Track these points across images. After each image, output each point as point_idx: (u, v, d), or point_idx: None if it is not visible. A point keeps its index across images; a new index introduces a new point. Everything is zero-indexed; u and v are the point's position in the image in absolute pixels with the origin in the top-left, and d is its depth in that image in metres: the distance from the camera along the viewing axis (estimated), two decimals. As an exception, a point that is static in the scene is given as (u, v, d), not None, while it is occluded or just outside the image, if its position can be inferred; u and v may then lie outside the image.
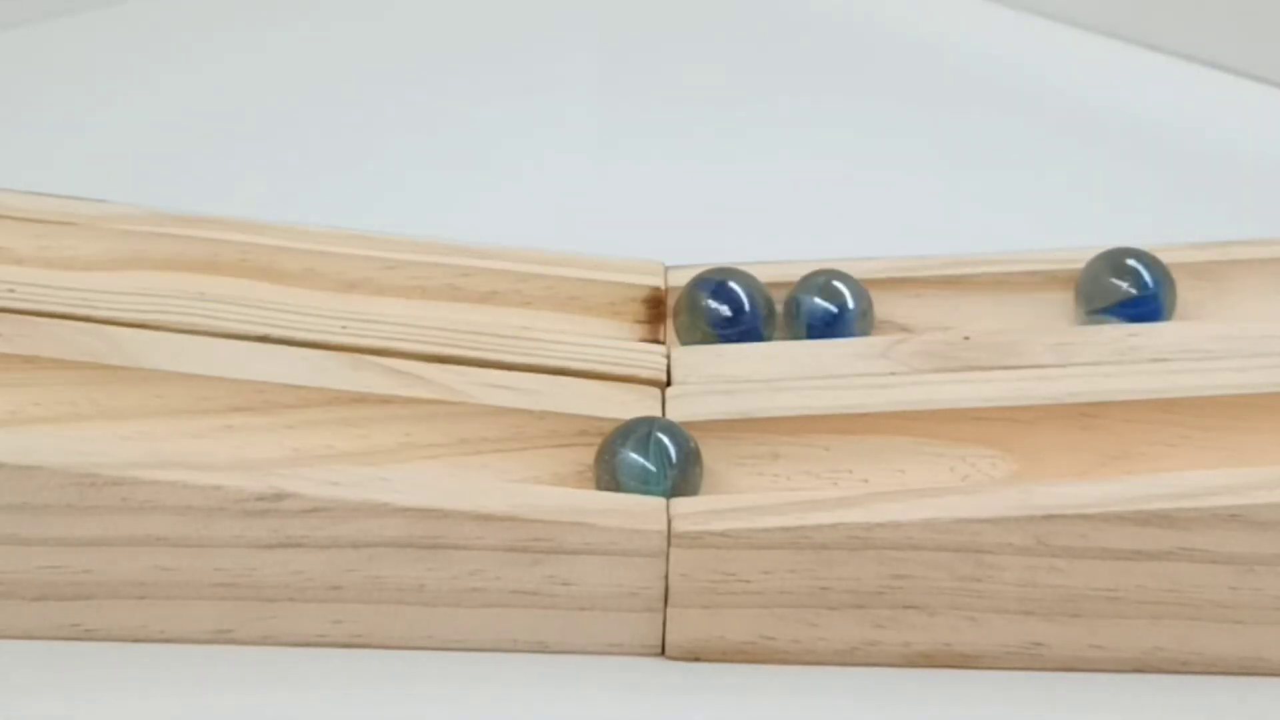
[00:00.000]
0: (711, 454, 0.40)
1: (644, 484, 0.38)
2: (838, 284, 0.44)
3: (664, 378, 0.42)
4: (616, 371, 0.42)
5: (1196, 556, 0.37)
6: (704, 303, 0.44)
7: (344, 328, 0.42)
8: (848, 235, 0.54)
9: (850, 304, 0.44)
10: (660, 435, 0.39)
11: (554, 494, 0.38)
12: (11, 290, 0.42)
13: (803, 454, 0.40)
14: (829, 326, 0.44)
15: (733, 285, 0.44)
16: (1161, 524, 0.37)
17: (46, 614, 0.38)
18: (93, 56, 0.69)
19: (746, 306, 0.44)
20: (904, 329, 0.45)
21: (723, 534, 0.37)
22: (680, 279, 0.46)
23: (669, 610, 0.38)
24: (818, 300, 0.44)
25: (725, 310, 0.44)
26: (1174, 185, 0.61)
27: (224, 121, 0.64)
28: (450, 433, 0.40)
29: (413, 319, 0.43)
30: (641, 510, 0.37)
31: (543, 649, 0.38)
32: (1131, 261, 0.45)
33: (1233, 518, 0.36)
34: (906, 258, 0.46)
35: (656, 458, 0.38)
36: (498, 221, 0.54)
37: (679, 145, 0.63)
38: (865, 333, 0.44)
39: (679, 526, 0.37)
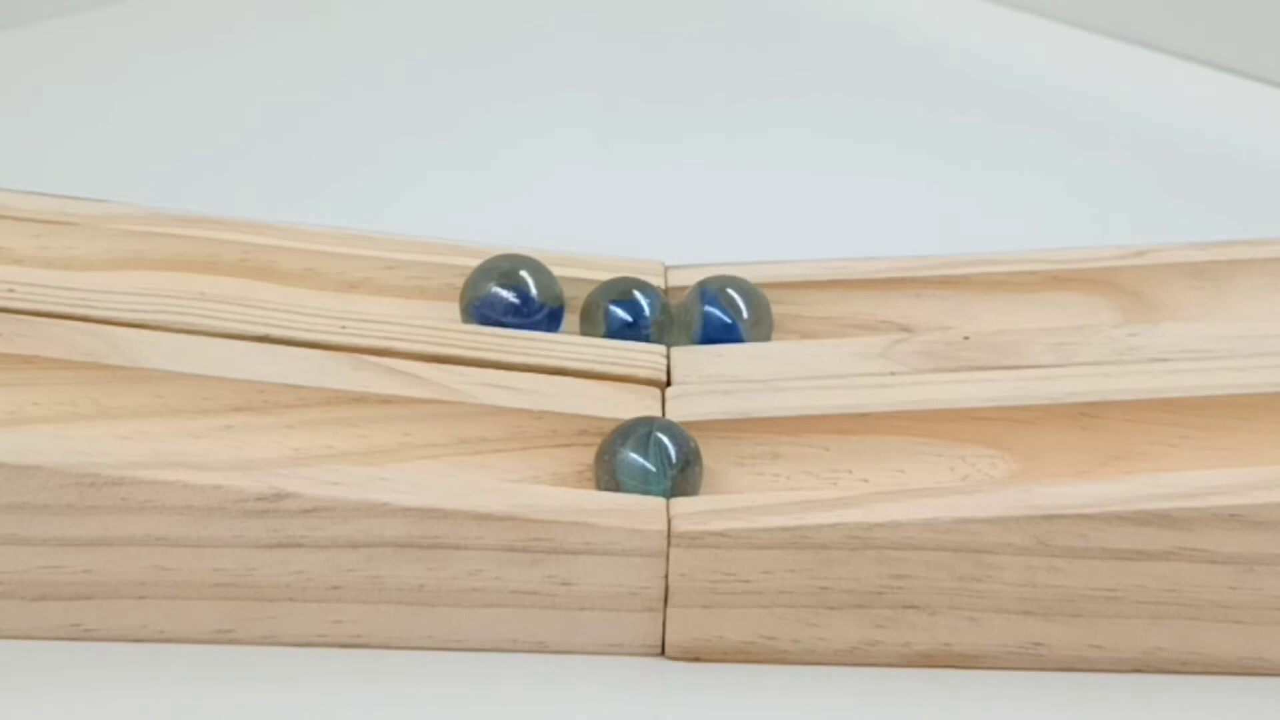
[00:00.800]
0: (711, 454, 0.40)
1: (644, 484, 0.38)
2: (637, 293, 0.44)
3: (664, 378, 0.42)
4: (616, 371, 0.42)
5: (1196, 556, 0.37)
6: (491, 290, 0.44)
7: (344, 328, 0.42)
8: (848, 235, 0.54)
9: (647, 313, 0.44)
10: (660, 435, 0.39)
11: (554, 494, 0.38)
12: (11, 290, 0.42)
13: (802, 454, 0.40)
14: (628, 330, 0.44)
15: (523, 275, 0.44)
16: (1161, 524, 0.37)
17: (46, 614, 0.38)
18: (93, 56, 0.69)
19: (534, 295, 0.44)
20: (904, 329, 0.45)
21: (723, 534, 0.37)
22: (680, 278, 0.46)
23: (669, 610, 0.38)
24: (614, 308, 0.44)
25: (511, 298, 0.44)
26: (1174, 185, 0.61)
27: (224, 121, 0.64)
28: (450, 433, 0.40)
29: (413, 319, 0.43)
30: (641, 510, 0.37)
31: (543, 649, 0.38)
32: (730, 290, 0.44)
33: (1232, 517, 0.36)
34: (906, 258, 0.46)
35: (656, 458, 0.38)
36: (498, 222, 0.54)
37: (680, 145, 0.63)
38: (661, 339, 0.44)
39: (679, 526, 0.37)
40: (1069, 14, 0.72)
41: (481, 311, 0.44)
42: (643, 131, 0.65)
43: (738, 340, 0.44)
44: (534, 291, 0.44)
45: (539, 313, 0.44)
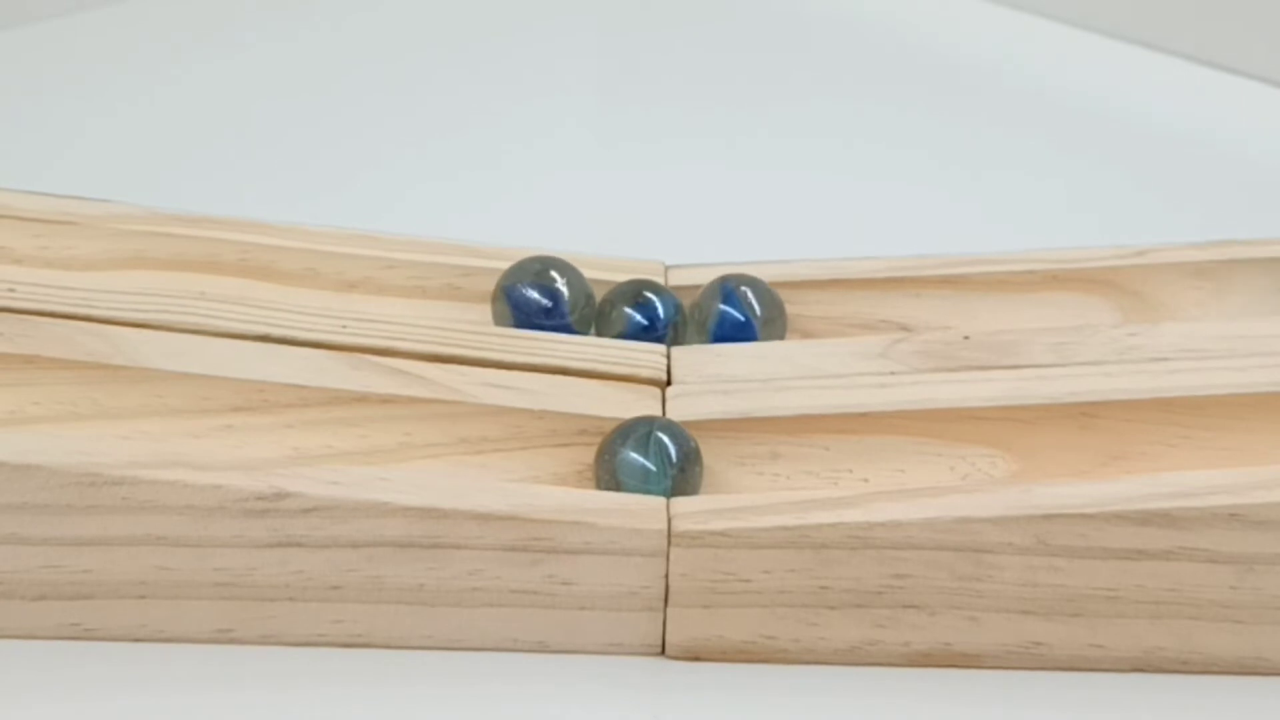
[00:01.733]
0: (711, 453, 0.40)
1: (644, 483, 0.38)
2: (649, 293, 0.44)
3: (664, 377, 0.42)
4: (616, 371, 0.42)
5: (1196, 556, 0.37)
6: (522, 292, 0.44)
7: (344, 327, 0.42)
8: (848, 235, 0.55)
9: (662, 316, 0.44)
10: (660, 435, 0.39)
11: (554, 493, 0.38)
12: (11, 290, 0.42)
13: (802, 453, 0.40)
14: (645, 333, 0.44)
15: (554, 275, 0.44)
16: (1161, 523, 0.37)
17: (46, 614, 0.38)
18: (93, 56, 0.69)
19: (566, 299, 0.44)
20: (904, 329, 0.45)
21: (723, 533, 0.37)
22: (680, 278, 0.46)
23: (669, 610, 0.38)
24: (628, 310, 0.44)
25: (544, 301, 0.44)
26: (1174, 185, 0.61)
27: (224, 121, 0.64)
28: (450, 432, 0.40)
29: (413, 319, 0.43)
30: (641, 510, 0.37)
31: (543, 648, 0.38)
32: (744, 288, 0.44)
33: (1232, 517, 0.36)
34: (906, 258, 0.46)
35: (657, 457, 0.38)
36: (498, 221, 0.55)
37: (679, 145, 0.63)
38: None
39: (679, 526, 0.37)
40: (1069, 14, 0.72)
41: (519, 304, 0.44)
42: (642, 131, 0.65)
43: (752, 338, 0.44)
44: (567, 296, 0.44)
45: (568, 317, 0.44)
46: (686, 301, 0.45)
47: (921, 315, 0.46)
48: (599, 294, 0.45)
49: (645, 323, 0.44)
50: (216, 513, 0.37)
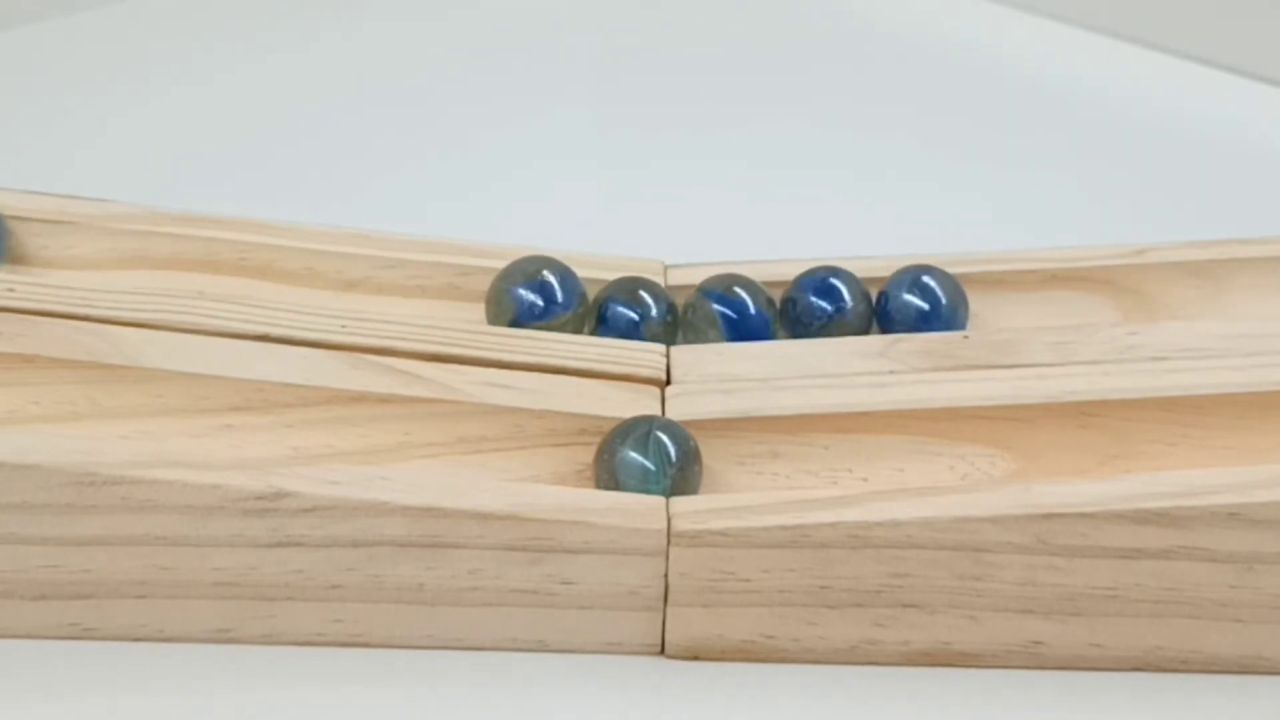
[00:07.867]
0: (711, 453, 0.40)
1: (643, 483, 0.38)
2: (643, 292, 0.44)
3: (664, 377, 0.42)
4: (616, 370, 0.42)
5: (1196, 555, 0.37)
6: (515, 292, 0.44)
7: (343, 327, 0.42)
8: (848, 234, 0.55)
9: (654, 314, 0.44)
10: (660, 434, 0.39)
11: (553, 493, 0.38)
12: (11, 290, 0.42)
13: (802, 453, 0.40)
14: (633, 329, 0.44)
15: (547, 275, 0.44)
16: (1161, 522, 0.37)
17: (46, 613, 0.38)
18: (93, 56, 0.69)
19: (559, 298, 0.44)
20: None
21: (722, 533, 0.37)
22: (680, 278, 0.46)
23: (668, 609, 0.38)
24: (622, 308, 0.44)
25: (538, 301, 0.44)
26: (1174, 184, 0.61)
27: (224, 121, 0.64)
28: (450, 432, 0.40)
29: (412, 318, 0.43)
30: (641, 509, 0.37)
31: (542, 648, 0.38)
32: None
33: (1232, 516, 0.36)
34: (906, 257, 0.46)
35: (656, 456, 0.38)
36: (497, 221, 0.55)
37: (680, 144, 0.63)
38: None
39: (678, 525, 0.37)
40: (1069, 14, 0.72)
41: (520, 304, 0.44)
42: (643, 130, 0.65)
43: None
44: (560, 294, 0.44)
45: (566, 312, 0.44)
46: (681, 301, 0.45)
47: (921, 314, 0.46)
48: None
49: (636, 318, 0.44)
50: (216, 512, 0.37)
